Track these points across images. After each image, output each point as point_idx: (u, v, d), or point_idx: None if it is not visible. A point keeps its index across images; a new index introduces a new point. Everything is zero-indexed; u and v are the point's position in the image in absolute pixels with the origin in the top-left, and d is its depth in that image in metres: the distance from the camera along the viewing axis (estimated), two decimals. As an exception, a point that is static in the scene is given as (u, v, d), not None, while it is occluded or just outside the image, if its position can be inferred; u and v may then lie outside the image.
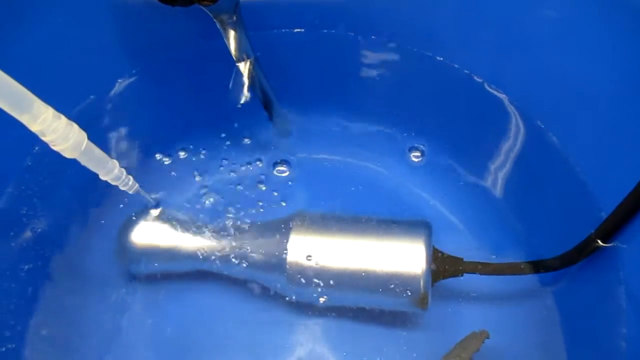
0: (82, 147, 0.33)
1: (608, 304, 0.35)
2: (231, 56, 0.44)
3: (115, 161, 0.37)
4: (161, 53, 0.46)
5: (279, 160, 0.50)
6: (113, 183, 0.38)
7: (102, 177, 0.37)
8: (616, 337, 0.33)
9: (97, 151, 0.35)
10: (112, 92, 0.46)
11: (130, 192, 0.41)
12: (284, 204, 0.49)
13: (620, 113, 0.37)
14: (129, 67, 0.46)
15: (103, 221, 0.46)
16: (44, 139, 0.30)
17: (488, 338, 0.40)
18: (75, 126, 0.32)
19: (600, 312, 0.36)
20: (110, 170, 0.37)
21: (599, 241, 0.36)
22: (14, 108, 0.27)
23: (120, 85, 0.46)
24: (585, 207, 0.38)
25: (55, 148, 0.31)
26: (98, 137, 0.46)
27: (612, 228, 0.35)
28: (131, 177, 0.40)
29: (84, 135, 0.33)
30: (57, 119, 0.30)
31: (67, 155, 0.32)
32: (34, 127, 0.29)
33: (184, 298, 0.46)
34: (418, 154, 0.50)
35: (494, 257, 0.44)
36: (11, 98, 0.27)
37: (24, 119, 0.28)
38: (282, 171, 0.50)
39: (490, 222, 0.46)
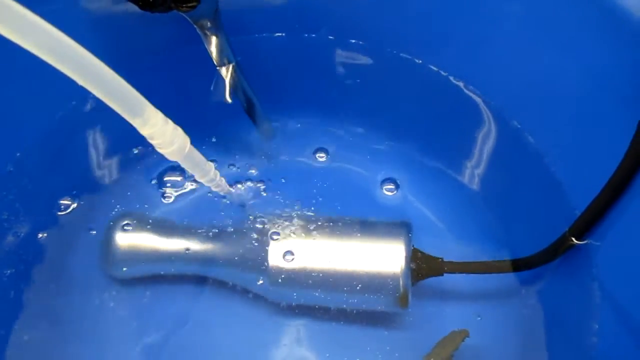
0: (186, 151, 0.34)
1: (584, 301, 0.36)
2: (212, 61, 0.45)
3: (211, 163, 0.38)
4: (143, 60, 0.47)
5: (260, 163, 0.51)
6: (207, 184, 0.40)
7: (198, 179, 0.39)
8: (589, 333, 0.33)
9: (197, 155, 0.36)
10: (94, 97, 0.46)
11: (222, 194, 0.42)
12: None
13: (593, 112, 0.37)
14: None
15: (87, 225, 0.46)
16: (151, 141, 0.31)
17: (468, 337, 0.40)
18: (180, 130, 0.33)
19: (577, 309, 0.37)
20: (207, 173, 0.38)
21: (573, 239, 0.36)
22: (127, 112, 0.29)
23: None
24: (560, 206, 0.39)
25: (160, 151, 0.33)
26: (80, 143, 0.47)
27: (585, 226, 0.35)
28: (223, 179, 0.41)
29: (187, 139, 0.34)
30: (165, 123, 0.31)
31: (171, 157, 0.34)
32: (144, 131, 0.30)
33: (168, 301, 0.46)
34: (397, 154, 0.51)
35: (474, 256, 0.45)
36: (125, 102, 0.28)
37: (135, 123, 0.29)
38: (264, 174, 0.51)
39: (469, 222, 0.47)
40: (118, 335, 0.45)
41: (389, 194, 0.49)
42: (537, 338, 0.41)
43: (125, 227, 0.45)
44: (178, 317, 0.45)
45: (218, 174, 0.40)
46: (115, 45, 0.45)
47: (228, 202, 0.48)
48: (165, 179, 0.50)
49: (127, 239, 0.45)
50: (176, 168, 0.50)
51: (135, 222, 0.46)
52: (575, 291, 0.37)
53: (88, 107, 0.46)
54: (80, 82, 0.26)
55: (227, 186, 0.43)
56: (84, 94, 0.46)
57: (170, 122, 0.32)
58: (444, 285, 0.45)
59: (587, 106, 0.38)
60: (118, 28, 0.44)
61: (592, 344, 0.33)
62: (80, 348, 0.43)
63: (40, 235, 0.45)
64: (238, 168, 0.51)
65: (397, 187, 0.50)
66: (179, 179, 0.50)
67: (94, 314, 0.45)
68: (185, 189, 0.50)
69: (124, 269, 0.45)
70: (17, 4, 0.21)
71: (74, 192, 0.46)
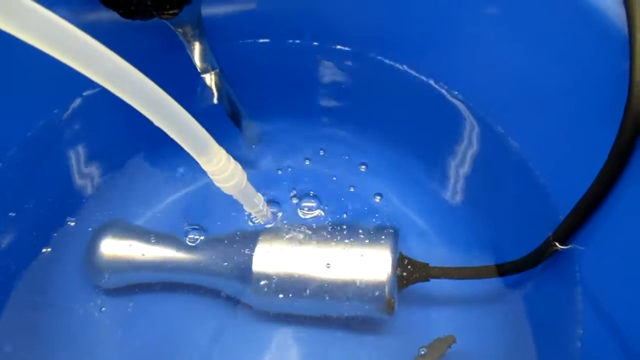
0: (242, 186, 0.36)
1: (568, 305, 0.36)
2: (196, 68, 0.45)
3: (260, 195, 0.40)
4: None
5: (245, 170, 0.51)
6: (253, 214, 0.41)
7: (247, 210, 0.40)
8: (573, 337, 0.33)
9: (250, 189, 0.37)
10: (76, 105, 0.45)
11: (262, 221, 0.43)
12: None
13: (577, 116, 0.37)
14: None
15: (70, 235, 0.46)
16: (212, 177, 0.33)
17: (455, 343, 0.40)
18: (239, 167, 0.35)
19: (561, 314, 0.37)
20: (256, 205, 0.40)
21: (556, 244, 0.36)
22: (194, 149, 0.30)
23: (84, 98, 0.46)
24: (544, 211, 0.39)
25: (217, 184, 0.34)
26: (62, 150, 0.47)
27: (568, 230, 0.35)
28: (268, 208, 0.42)
29: (245, 175, 0.36)
30: (227, 160, 0.33)
31: (227, 191, 0.35)
32: (208, 168, 0.32)
33: (152, 310, 0.46)
34: (382, 160, 0.50)
35: (460, 261, 0.44)
36: (193, 140, 0.30)
37: (201, 160, 0.31)
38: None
39: (455, 227, 0.47)
40: (103, 345, 0.44)
41: (376, 199, 0.49)
42: (523, 343, 0.41)
43: (109, 236, 0.45)
44: (163, 326, 0.45)
45: (266, 205, 0.41)
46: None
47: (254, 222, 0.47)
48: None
49: (111, 248, 0.44)
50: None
51: (119, 230, 0.45)
52: (560, 296, 0.37)
53: (71, 114, 0.45)
54: (151, 117, 0.28)
55: (270, 213, 0.43)
56: (66, 101, 0.46)
57: (231, 158, 0.33)
58: (430, 290, 0.45)
59: (570, 110, 0.38)
60: (99, 35, 0.43)
61: (577, 349, 0.33)
62: (66, 357, 0.43)
63: (21, 246, 0.44)
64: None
65: (383, 192, 0.49)
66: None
67: (78, 324, 0.44)
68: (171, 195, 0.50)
69: (108, 278, 0.45)
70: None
71: (56, 202, 0.46)
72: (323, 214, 0.47)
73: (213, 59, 0.45)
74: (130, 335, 0.45)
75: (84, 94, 0.45)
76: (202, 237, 0.45)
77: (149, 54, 0.46)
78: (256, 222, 0.43)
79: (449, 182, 0.48)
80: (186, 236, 0.45)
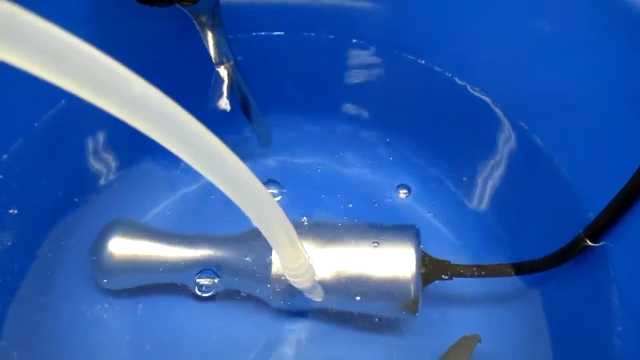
0: (311, 282, 0.36)
1: (598, 303, 0.35)
2: (211, 59, 0.43)
3: (321, 289, 0.39)
4: (137, 55, 0.44)
5: (257, 165, 0.49)
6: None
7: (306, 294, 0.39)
8: (610, 335, 0.33)
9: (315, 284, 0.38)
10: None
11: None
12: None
13: (603, 111, 0.37)
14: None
15: (76, 234, 0.44)
16: (285, 270, 0.34)
17: (480, 342, 0.39)
18: (312, 264, 0.35)
19: (589, 312, 0.36)
20: (317, 294, 0.39)
21: (587, 241, 0.36)
22: (278, 246, 0.30)
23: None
24: (572, 208, 0.39)
25: (289, 277, 0.35)
26: (71, 143, 0.44)
27: (601, 227, 0.35)
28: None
29: (315, 272, 0.36)
30: (305, 260, 0.33)
31: (296, 285, 0.36)
32: (287, 264, 0.33)
33: (163, 312, 0.44)
34: (401, 158, 0.49)
35: (480, 260, 0.44)
36: (281, 240, 0.30)
37: (281, 256, 0.32)
38: (262, 176, 0.49)
39: (478, 229, 0.46)
40: (110, 349, 0.42)
41: (396, 198, 0.48)
42: (545, 342, 0.41)
43: (118, 234, 0.43)
44: (175, 327, 0.43)
45: (321, 291, 0.40)
46: (112, 38, 0.42)
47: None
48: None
49: (120, 247, 0.42)
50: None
51: (128, 228, 0.43)
52: (587, 294, 0.37)
53: (79, 105, 0.43)
54: (244, 209, 0.27)
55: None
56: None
57: (308, 256, 0.33)
58: (450, 290, 0.44)
59: (596, 104, 0.38)
60: (115, 21, 0.41)
61: (615, 346, 0.33)
62: (72, 362, 0.41)
63: (24, 245, 0.42)
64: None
65: (404, 191, 0.48)
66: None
67: (84, 327, 0.42)
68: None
69: (116, 279, 0.42)
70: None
71: (61, 198, 0.43)
72: (343, 212, 0.46)
73: (229, 50, 0.43)
74: (139, 339, 0.42)
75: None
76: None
77: (164, 42, 0.45)
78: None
79: (471, 180, 0.47)
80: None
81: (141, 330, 0.43)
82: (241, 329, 0.43)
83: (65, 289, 0.43)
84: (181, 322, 0.44)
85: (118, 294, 0.44)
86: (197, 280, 0.43)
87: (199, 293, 0.43)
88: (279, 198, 0.40)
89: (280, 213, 0.28)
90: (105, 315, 0.43)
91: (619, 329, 0.33)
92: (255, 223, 0.28)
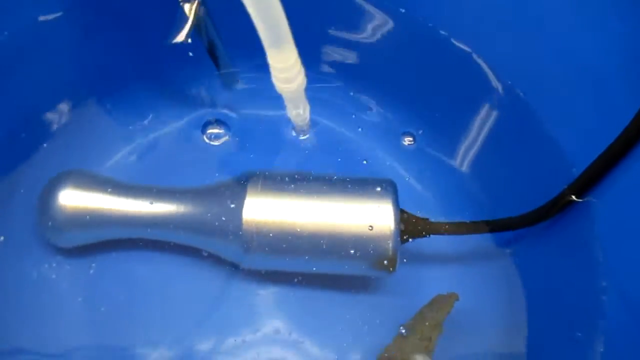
0: (301, 90, 0.35)
1: (580, 260, 0.35)
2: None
3: (307, 104, 0.39)
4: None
5: (218, 119, 0.46)
6: (292, 118, 0.40)
7: (290, 114, 0.39)
8: (595, 291, 0.33)
9: (303, 92, 0.37)
10: (31, 30, 0.38)
11: (301, 127, 0.42)
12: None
13: (589, 66, 0.36)
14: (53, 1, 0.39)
15: (21, 184, 0.39)
16: (274, 74, 0.33)
17: (457, 300, 0.39)
18: (303, 70, 0.34)
19: (570, 268, 0.36)
20: (303, 108, 0.39)
21: (572, 196, 0.35)
22: (271, 38, 0.30)
23: (41, 22, 0.38)
24: (555, 164, 0.38)
25: (278, 84, 0.34)
26: (8, 81, 0.39)
27: (587, 182, 0.34)
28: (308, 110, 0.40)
29: (305, 80, 0.35)
30: (296, 60, 0.32)
31: (285, 93, 0.35)
32: (277, 63, 0.32)
33: (119, 271, 0.41)
34: (374, 113, 0.47)
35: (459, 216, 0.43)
36: (273, 28, 0.29)
37: (271, 53, 0.31)
38: (231, 127, 0.46)
39: (454, 186, 0.45)
40: (62, 312, 0.38)
41: (368, 160, 0.46)
42: (522, 299, 0.40)
43: (69, 186, 0.38)
44: (133, 288, 0.40)
45: (309, 108, 0.40)
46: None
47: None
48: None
49: (71, 199, 0.38)
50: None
51: (80, 179, 0.39)
52: (569, 250, 0.36)
53: (23, 40, 0.38)
54: None
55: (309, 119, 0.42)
56: (19, 24, 0.38)
57: (299, 60, 0.32)
58: (425, 248, 0.43)
59: (583, 59, 0.37)
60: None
61: (601, 302, 0.32)
62: (18, 327, 0.37)
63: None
64: (194, 120, 0.46)
65: (377, 153, 0.46)
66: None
67: (31, 289, 0.38)
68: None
69: (66, 235, 0.38)
70: None
71: (8, 146, 0.38)
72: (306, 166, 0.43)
73: (195, -16, 0.39)
74: (93, 300, 0.39)
75: (41, 18, 0.38)
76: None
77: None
78: (295, 130, 0.42)
79: (453, 140, 0.45)
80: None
81: (95, 291, 0.40)
82: (206, 291, 0.40)
83: (8, 248, 0.38)
84: (140, 281, 0.40)
85: (68, 252, 0.40)
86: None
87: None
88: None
89: (279, 5, 0.28)
90: (54, 276, 0.39)
91: (604, 284, 0.32)
92: (252, 10, 0.28)
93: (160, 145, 0.45)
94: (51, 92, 0.41)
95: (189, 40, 0.40)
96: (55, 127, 0.42)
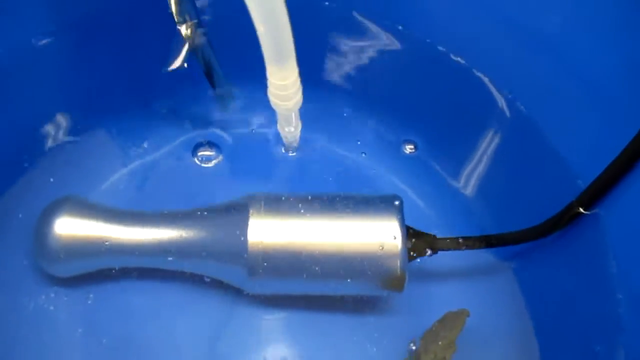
0: (297, 109, 0.35)
1: (593, 271, 0.35)
2: (172, 16, 0.38)
3: (300, 122, 0.39)
4: (86, 7, 0.38)
5: (209, 140, 0.46)
6: (283, 134, 0.40)
7: (281, 130, 0.39)
8: (611, 303, 0.32)
9: (297, 113, 0.37)
10: (23, 52, 0.37)
11: (291, 144, 0.42)
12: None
13: (590, 78, 0.36)
14: (45, 23, 0.38)
15: (15, 213, 0.38)
16: (272, 90, 0.33)
17: (469, 316, 0.38)
18: (301, 89, 0.34)
19: (584, 280, 0.36)
20: (292, 132, 0.39)
21: (580, 209, 0.35)
22: (274, 55, 0.29)
23: (34, 45, 0.37)
24: (560, 177, 0.38)
25: (275, 101, 0.34)
26: (15, 101, 0.38)
27: (595, 194, 0.34)
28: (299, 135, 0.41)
29: (301, 99, 0.35)
30: (296, 79, 0.32)
31: (281, 111, 0.35)
32: (276, 80, 0.31)
33: (118, 301, 0.39)
34: (373, 129, 0.47)
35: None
36: (277, 45, 0.29)
37: (272, 70, 0.31)
38: (227, 148, 0.45)
39: (457, 205, 0.45)
40: (61, 346, 0.37)
41: (371, 171, 0.46)
42: (528, 312, 0.40)
43: (65, 214, 0.37)
44: (134, 318, 0.39)
45: (300, 126, 0.40)
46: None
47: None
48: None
49: (67, 228, 0.37)
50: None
51: (76, 207, 0.38)
52: (579, 263, 0.36)
53: (16, 62, 0.37)
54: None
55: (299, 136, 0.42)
56: (12, 47, 0.37)
57: (299, 79, 0.32)
58: (429, 265, 0.42)
59: (584, 72, 0.37)
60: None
61: (617, 314, 0.32)
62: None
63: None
64: (190, 143, 0.45)
65: (381, 172, 0.46)
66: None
67: (28, 321, 0.37)
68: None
69: (63, 265, 0.37)
70: None
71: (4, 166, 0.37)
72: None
73: (192, 7, 0.39)
74: (93, 332, 0.38)
75: (33, 40, 0.37)
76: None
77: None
78: (285, 147, 0.42)
79: (455, 158, 0.45)
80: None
81: (95, 323, 0.38)
82: (211, 318, 0.39)
83: (3, 278, 0.37)
84: (141, 311, 0.39)
85: (65, 282, 0.38)
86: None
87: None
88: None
89: (285, 18, 0.27)
90: (52, 307, 0.37)
91: (620, 296, 0.32)
92: (260, 25, 0.28)
93: (156, 169, 0.44)
94: (45, 115, 0.41)
95: (185, 65, 0.40)
96: (48, 150, 0.41)
